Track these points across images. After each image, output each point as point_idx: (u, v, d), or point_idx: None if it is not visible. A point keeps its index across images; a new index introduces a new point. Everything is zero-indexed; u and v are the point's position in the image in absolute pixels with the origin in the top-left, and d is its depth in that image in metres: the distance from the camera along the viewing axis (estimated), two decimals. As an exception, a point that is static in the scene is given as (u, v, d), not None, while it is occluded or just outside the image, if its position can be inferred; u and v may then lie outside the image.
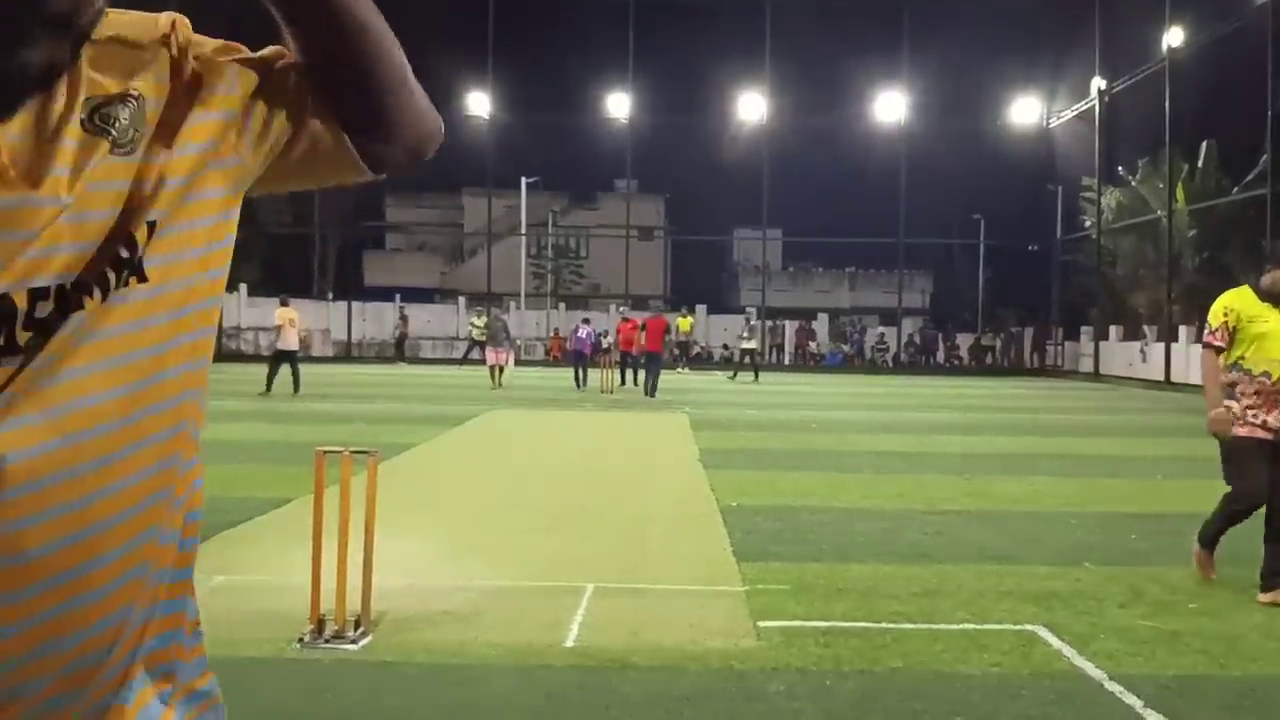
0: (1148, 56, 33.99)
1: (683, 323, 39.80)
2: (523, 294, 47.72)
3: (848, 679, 4.45)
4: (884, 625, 5.27)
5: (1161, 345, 32.22)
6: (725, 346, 40.26)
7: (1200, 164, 34.19)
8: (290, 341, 20.33)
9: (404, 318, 40.18)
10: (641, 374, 24.59)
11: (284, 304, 21.10)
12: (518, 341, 42.46)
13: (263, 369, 21.09)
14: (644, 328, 24.49)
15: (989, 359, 42.53)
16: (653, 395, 22.71)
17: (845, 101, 42.14)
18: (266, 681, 4.34)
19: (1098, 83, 37.72)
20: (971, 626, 5.28)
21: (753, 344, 31.34)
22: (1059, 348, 41.35)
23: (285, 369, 20.11)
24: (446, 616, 5.32)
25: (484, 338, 30.23)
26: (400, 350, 39.23)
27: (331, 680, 4.35)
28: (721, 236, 58.03)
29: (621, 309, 27.49)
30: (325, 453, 4.95)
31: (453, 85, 41.82)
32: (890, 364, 40.85)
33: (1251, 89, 27.89)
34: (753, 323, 33.67)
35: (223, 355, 32.64)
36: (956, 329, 46.53)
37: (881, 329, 43.93)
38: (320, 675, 4.41)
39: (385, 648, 4.77)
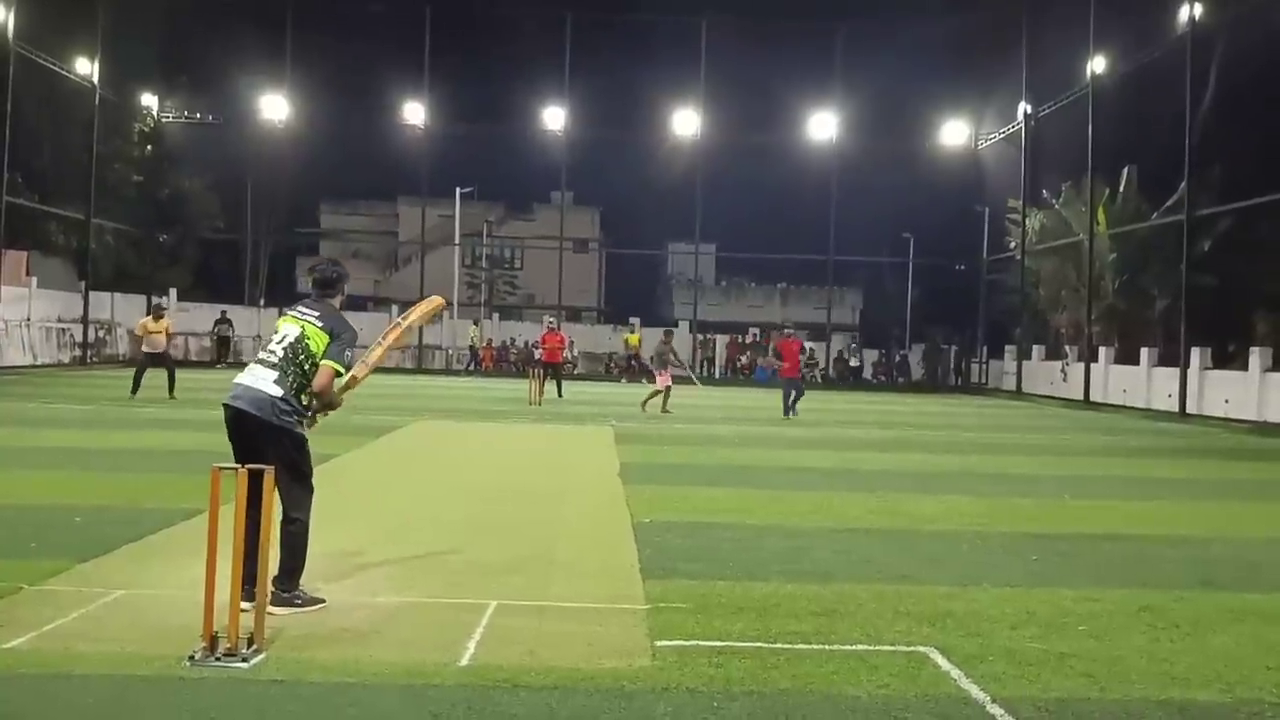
0: (1072, 83, 34.78)
1: (631, 338, 39.83)
2: (455, 304, 47.46)
3: (736, 700, 4.49)
4: (779, 645, 5.32)
5: (1081, 365, 32.90)
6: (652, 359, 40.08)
7: (1121, 189, 35.03)
8: (158, 345, 21.49)
9: (226, 319, 39.29)
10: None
11: (158, 316, 22.01)
12: (450, 351, 42.32)
13: (188, 374, 21.47)
14: (776, 352, 23.22)
15: (914, 376, 43.18)
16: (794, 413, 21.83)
17: (778, 120, 42.59)
18: (151, 702, 4.25)
19: (1024, 108, 38.51)
20: (865, 647, 5.35)
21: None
22: (983, 365, 42.06)
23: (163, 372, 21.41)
24: (345, 634, 5.28)
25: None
26: (221, 353, 38.45)
27: (219, 700, 4.28)
28: (655, 250, 58.28)
29: (549, 320, 27.28)
30: (221, 469, 4.89)
31: (389, 94, 41.64)
32: (819, 380, 41.26)
33: (1171, 118, 28.64)
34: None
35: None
36: (884, 345, 47.13)
37: (810, 345, 44.27)
38: (208, 695, 4.34)
39: (277, 666, 4.72)
